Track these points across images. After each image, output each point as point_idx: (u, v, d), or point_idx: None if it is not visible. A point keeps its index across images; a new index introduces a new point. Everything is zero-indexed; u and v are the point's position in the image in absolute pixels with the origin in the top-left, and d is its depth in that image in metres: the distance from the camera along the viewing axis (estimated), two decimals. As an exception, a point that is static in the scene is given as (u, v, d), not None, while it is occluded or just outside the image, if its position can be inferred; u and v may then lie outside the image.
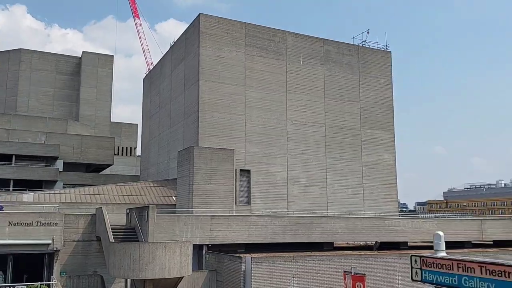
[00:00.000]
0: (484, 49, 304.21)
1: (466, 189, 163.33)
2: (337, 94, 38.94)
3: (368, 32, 42.30)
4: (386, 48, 42.77)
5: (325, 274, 24.04)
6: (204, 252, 26.71)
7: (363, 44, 41.47)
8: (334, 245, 31.81)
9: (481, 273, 6.58)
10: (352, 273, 19.24)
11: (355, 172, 38.54)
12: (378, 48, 42.34)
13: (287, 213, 32.82)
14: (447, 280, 7.20)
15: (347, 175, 38.08)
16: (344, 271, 19.95)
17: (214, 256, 26.09)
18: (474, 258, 6.60)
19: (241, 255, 24.13)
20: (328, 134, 37.92)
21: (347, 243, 35.05)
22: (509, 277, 6.08)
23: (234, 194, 31.58)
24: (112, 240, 22.03)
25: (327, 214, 33.35)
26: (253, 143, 34.84)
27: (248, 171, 34.22)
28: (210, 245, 26.66)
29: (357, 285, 18.92)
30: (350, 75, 39.89)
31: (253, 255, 24.18)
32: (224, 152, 31.16)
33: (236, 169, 32.44)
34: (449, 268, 7.10)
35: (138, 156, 65.41)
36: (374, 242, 32.47)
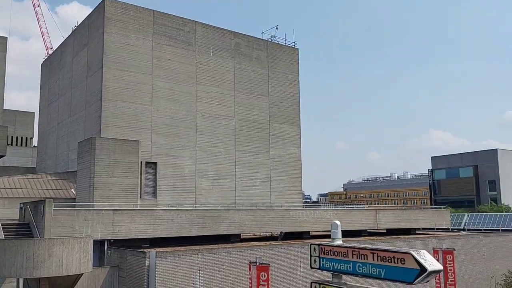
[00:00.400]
0: (387, 50, 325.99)
1: (363, 181, 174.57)
2: (246, 88, 39.28)
3: (277, 28, 43.14)
4: (294, 45, 43.96)
5: (231, 266, 24.21)
6: (105, 247, 25.58)
7: (272, 40, 42.22)
8: (241, 237, 32.20)
9: (373, 260, 6.90)
10: (257, 263, 19.56)
11: (263, 165, 39.24)
12: (286, 45, 43.37)
13: (195, 206, 32.52)
14: (342, 267, 7.47)
15: (256, 168, 38.66)
16: (250, 262, 20.23)
17: (116, 251, 25.09)
18: (367, 245, 6.92)
19: (145, 250, 23.45)
20: (238, 127, 38.15)
21: (254, 234, 35.67)
22: (398, 263, 6.42)
23: (139, 188, 30.57)
24: (2, 237, 20.28)
25: (235, 207, 33.61)
26: (160, 135, 33.96)
27: (155, 163, 33.32)
28: (112, 241, 25.60)
29: (262, 275, 19.29)
30: (260, 70, 40.44)
31: (158, 249, 23.62)
32: (129, 144, 30.01)
33: (141, 162, 31.42)
34: (344, 256, 7.37)
35: (34, 146, 60.78)
36: (279, 233, 33.40)
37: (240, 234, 31.19)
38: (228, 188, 36.59)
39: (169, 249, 24.23)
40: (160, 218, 26.70)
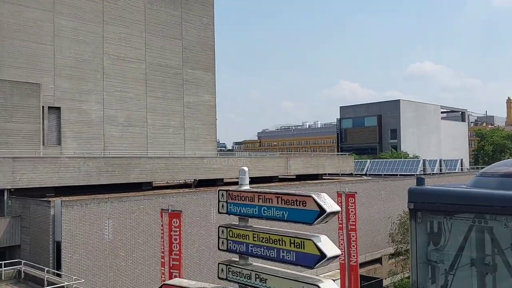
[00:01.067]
0: (303, 2, 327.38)
1: (277, 130, 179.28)
2: (158, 30, 37.51)
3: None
4: (209, -13, 42.38)
5: (142, 214, 23.95)
6: (5, 197, 24.00)
7: (186, -20, 40.31)
8: (154, 185, 31.83)
9: (278, 203, 7.01)
10: (169, 210, 19.47)
11: (176, 112, 38.44)
12: (201, -14, 41.71)
13: (103, 154, 31.30)
14: (249, 211, 7.56)
15: (168, 115, 37.78)
16: (161, 209, 20.08)
17: (18, 201, 23.68)
18: (272, 190, 7.02)
19: (50, 199, 22.36)
20: (149, 71, 36.66)
21: (167, 182, 35.42)
22: (300, 205, 6.58)
23: (42, 134, 28.64)
24: None
25: (147, 155, 32.88)
26: (63, 78, 31.66)
27: (58, 108, 31.22)
28: (13, 190, 24.05)
29: (174, 221, 19.28)
30: (173, 11, 38.66)
31: (64, 198, 22.63)
32: (28, 87, 27.68)
33: (43, 106, 29.27)
34: (251, 200, 7.43)
35: None
36: (192, 180, 33.46)
37: (152, 182, 30.79)
38: (139, 135, 35.55)
39: (76, 197, 23.31)
40: (65, 166, 25.42)
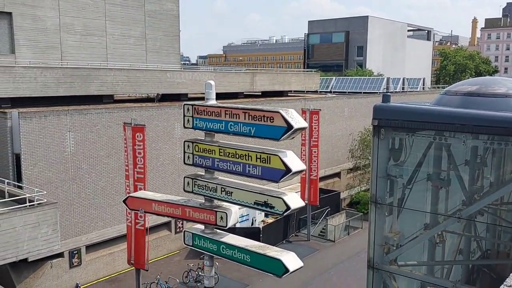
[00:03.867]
0: None
1: (243, 44, 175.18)
2: None
3: None
4: None
5: (105, 127, 23.53)
6: (-43, 108, 22.86)
7: None
8: (115, 98, 31.01)
9: (245, 119, 6.91)
10: (132, 124, 19.18)
11: (137, 22, 36.52)
12: None
13: (61, 64, 29.85)
14: (215, 126, 7.45)
15: (129, 24, 35.87)
16: (124, 123, 19.74)
17: (-29, 112, 22.61)
18: (240, 105, 6.88)
19: (6, 110, 21.47)
20: (107, -23, 34.09)
21: (129, 96, 34.56)
22: (267, 121, 6.50)
23: (-7, 41, 26.81)
24: None
25: (107, 66, 31.59)
26: (13, -20, 29.06)
27: (10, 13, 28.97)
28: (-36, 101, 22.89)
29: (137, 135, 19.09)
30: None
31: (21, 109, 21.78)
32: (-26, -12, 25.34)
33: (-8, 11, 27.10)
34: (217, 115, 7.29)
35: None
36: (155, 95, 32.78)
37: (113, 95, 29.97)
38: (98, 45, 33.86)
39: (34, 109, 22.47)
40: (21, 76, 24.16)
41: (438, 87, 67.05)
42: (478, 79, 14.49)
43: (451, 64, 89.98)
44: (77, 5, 32.21)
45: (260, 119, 6.63)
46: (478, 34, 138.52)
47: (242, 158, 7.13)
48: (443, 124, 9.29)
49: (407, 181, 10.65)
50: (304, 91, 44.61)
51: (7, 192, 18.71)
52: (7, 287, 19.99)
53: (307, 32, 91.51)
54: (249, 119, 6.78)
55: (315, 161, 29.87)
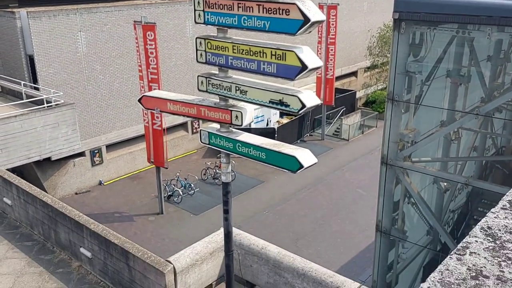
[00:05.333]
0: None
1: None
2: None
3: None
4: None
5: (115, 26, 22.96)
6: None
7: None
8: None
9: (259, 12, 6.58)
10: (142, 22, 18.65)
11: None
12: None
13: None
14: (228, 21, 7.13)
15: None
16: (134, 21, 19.21)
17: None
18: (253, -3, 6.50)
19: (14, 10, 20.95)
20: None
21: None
22: (283, 14, 6.19)
23: None
24: None
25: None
26: None
27: None
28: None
29: (148, 34, 18.65)
30: None
31: (29, 9, 21.19)
32: None
33: None
34: (230, 9, 6.94)
35: None
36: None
37: (123, -8, 28.80)
38: None
39: (42, 8, 21.85)
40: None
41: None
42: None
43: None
44: None
45: (275, 12, 6.29)
46: None
47: (256, 55, 6.91)
48: (468, 17, 8.78)
49: (426, 78, 10.39)
50: (321, -15, 42.24)
51: (24, 93, 18.94)
52: (34, 185, 21.09)
53: None
54: (263, 12, 6.44)
55: (331, 60, 29.21)
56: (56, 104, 18.08)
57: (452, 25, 9.46)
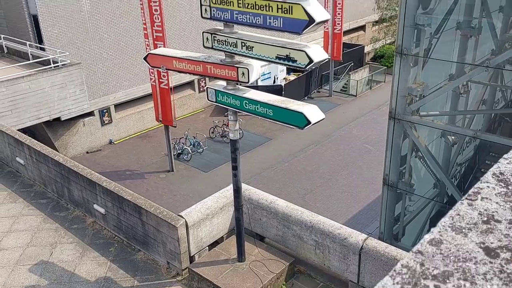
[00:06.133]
0: None
1: None
2: None
3: None
4: None
5: (118, -17, 22.51)
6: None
7: None
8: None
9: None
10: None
11: None
12: None
13: None
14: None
15: None
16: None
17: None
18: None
19: (15, -31, 20.54)
20: None
21: None
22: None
23: None
24: None
25: None
26: None
27: None
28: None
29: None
30: None
31: (30, -33, 20.77)
32: None
33: None
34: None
35: None
36: None
37: None
38: None
39: (43, -33, 21.40)
40: None
41: None
42: None
43: None
44: None
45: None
46: None
47: (262, 9, 6.81)
48: (481, -35, 8.52)
49: (435, 31, 10.21)
50: None
51: (30, 54, 18.88)
52: (46, 144, 21.38)
53: None
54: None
55: (339, 14, 28.59)
56: (62, 64, 18.04)
57: (463, -26, 9.21)
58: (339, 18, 28.66)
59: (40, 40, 20.81)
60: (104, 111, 23.49)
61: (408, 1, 9.43)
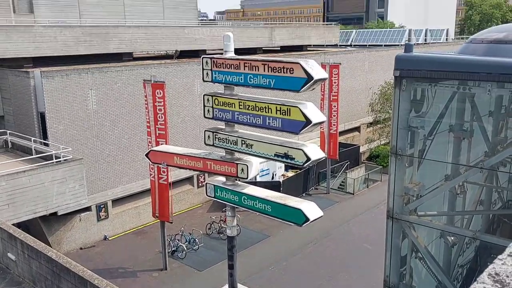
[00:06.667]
0: None
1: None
2: None
3: None
4: None
5: (125, 85, 23.70)
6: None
7: None
8: (134, 56, 31.02)
9: (264, 71, 6.88)
10: (152, 81, 19.27)
11: (153, -22, 35.87)
12: None
13: (80, 23, 29.79)
14: (234, 79, 7.42)
15: (145, -20, 35.27)
16: (144, 80, 19.85)
17: (-6, 72, 23.00)
18: (258, 57, 6.83)
19: (28, 70, 21.77)
20: None
21: (148, 53, 34.52)
22: (287, 73, 6.47)
23: (11, 0, 26.82)
24: None
25: (125, 23, 31.40)
26: None
27: (26, -28, 28.81)
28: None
29: (157, 92, 19.21)
30: None
31: (43, 69, 22.03)
32: None
33: (9, -31, 26.93)
34: (236, 68, 7.25)
35: None
36: (174, 51, 32.63)
37: (133, 53, 29.95)
38: (116, 3, 33.53)
39: (56, 68, 22.71)
40: (40, 35, 24.27)
41: (462, 38, 64.83)
42: (505, 25, 13.96)
43: (477, 13, 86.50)
44: (93, -39, 31.71)
45: (279, 71, 6.58)
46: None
47: (262, 110, 7.14)
48: (468, 73, 9.09)
49: (429, 132, 10.57)
50: (323, 45, 43.75)
51: (34, 149, 19.28)
52: (39, 239, 20.96)
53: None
54: (268, 71, 6.73)
55: (334, 116, 29.71)
56: (64, 160, 18.34)
57: (452, 82, 9.76)
58: (334, 120, 29.73)
59: (45, 135, 21.37)
60: (101, 206, 23.39)
61: (400, 105, 9.90)
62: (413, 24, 71.37)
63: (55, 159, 18.17)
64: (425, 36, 54.98)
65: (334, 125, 29.78)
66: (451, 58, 9.37)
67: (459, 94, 9.91)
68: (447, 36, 60.35)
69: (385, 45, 48.54)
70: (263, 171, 28.68)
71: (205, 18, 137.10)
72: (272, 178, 29.73)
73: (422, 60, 9.50)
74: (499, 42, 9.29)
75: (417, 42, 51.68)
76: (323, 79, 6.65)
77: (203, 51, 32.29)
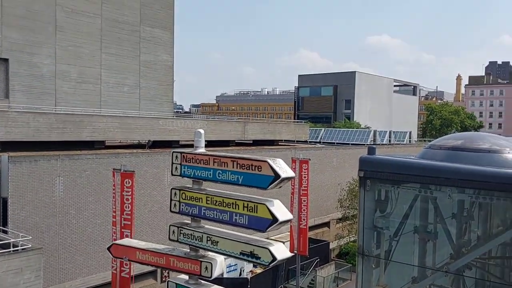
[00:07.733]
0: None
1: (235, 94, 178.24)
2: (116, -16, 35.78)
3: None
4: None
5: (94, 173, 23.46)
6: None
7: None
8: (106, 144, 31.11)
9: (233, 167, 7.02)
10: (121, 170, 19.16)
11: (132, 71, 37.29)
12: None
13: (55, 110, 30.12)
14: (203, 174, 7.52)
15: (124, 73, 36.60)
16: (113, 169, 19.73)
17: (-40, 155, 22.52)
18: (228, 154, 7.01)
19: (-4, 154, 21.43)
20: (105, 27, 35.12)
21: (120, 142, 34.70)
22: (255, 170, 6.61)
23: (-12, 86, 27.15)
24: None
25: (100, 112, 31.92)
26: (12, 28, 29.79)
27: (6, 60, 29.53)
28: (-45, 143, 22.83)
29: (126, 181, 19.03)
30: (131, -35, 36.88)
31: (11, 154, 21.74)
32: (-27, 34, 25.94)
33: (-11, 56, 27.61)
34: (206, 163, 7.39)
35: None
36: (147, 141, 32.96)
37: (105, 141, 30.09)
38: (92, 93, 34.34)
39: (24, 153, 22.45)
40: (13, 120, 24.31)
41: (424, 140, 68.12)
42: (463, 134, 14.87)
43: (437, 118, 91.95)
44: (74, 54, 32.93)
45: (248, 168, 6.73)
46: (462, 91, 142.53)
47: (229, 206, 7.17)
48: (428, 178, 9.47)
49: (394, 233, 10.69)
50: (294, 141, 45.10)
51: (-9, 237, 18.34)
52: (-17, 337, 19.16)
53: (297, 85, 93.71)
54: (237, 168, 6.87)
55: (304, 210, 29.75)
56: (22, 248, 17.44)
57: (414, 184, 10.12)
58: (304, 214, 29.73)
59: (5, 222, 20.49)
60: (56, 301, 21.88)
61: (366, 205, 10.12)
62: (378, 125, 75.10)
63: (13, 247, 17.26)
64: (389, 137, 57.64)
65: (304, 219, 29.70)
66: (412, 162, 9.81)
67: (421, 196, 10.24)
68: (410, 138, 63.40)
69: (352, 144, 50.43)
70: (231, 266, 27.85)
71: (181, 110, 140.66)
72: (240, 274, 28.80)
73: (384, 163, 9.91)
74: (457, 149, 9.85)
75: (382, 143, 53.97)
76: (290, 178, 6.82)
77: (177, 142, 32.76)
